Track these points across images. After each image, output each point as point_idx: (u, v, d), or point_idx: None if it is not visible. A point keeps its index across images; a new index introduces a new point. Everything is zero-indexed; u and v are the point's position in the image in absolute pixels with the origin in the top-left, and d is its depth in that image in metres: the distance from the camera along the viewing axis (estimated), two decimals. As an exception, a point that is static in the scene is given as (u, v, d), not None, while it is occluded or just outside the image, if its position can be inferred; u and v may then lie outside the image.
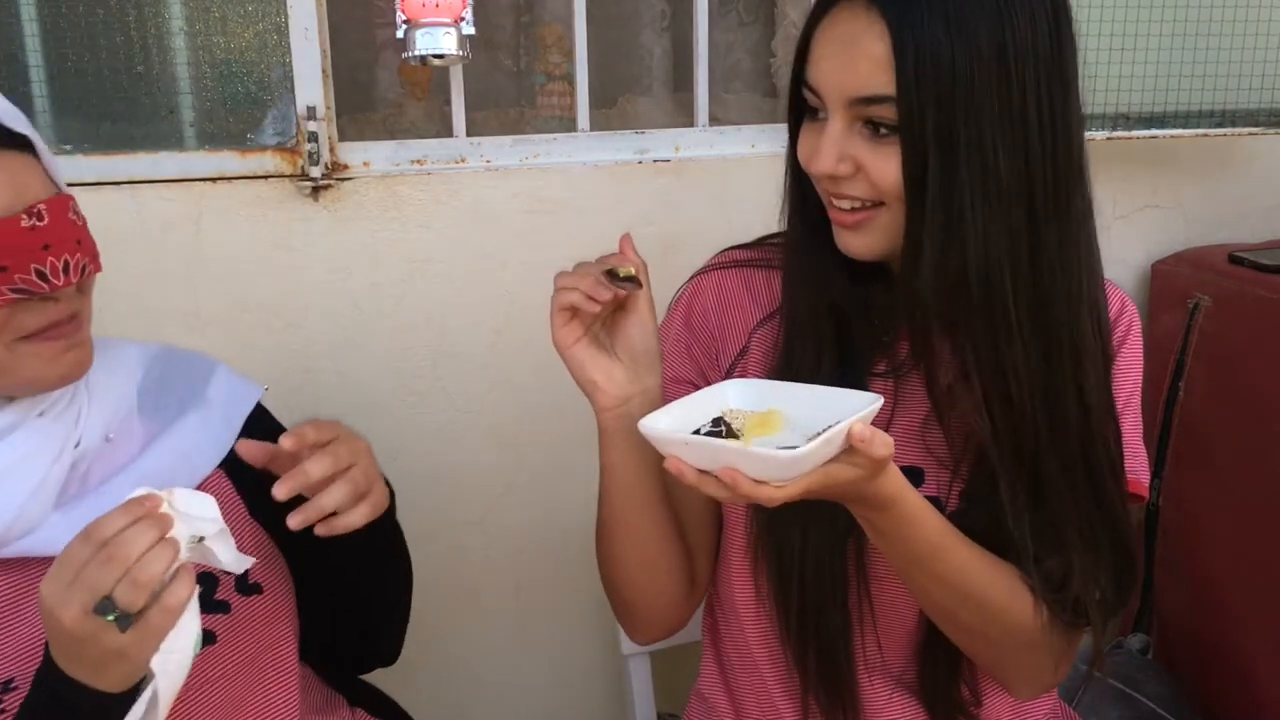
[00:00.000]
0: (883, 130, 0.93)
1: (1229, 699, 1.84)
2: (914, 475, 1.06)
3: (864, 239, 0.99)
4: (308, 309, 1.62)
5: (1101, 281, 1.04)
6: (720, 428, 0.87)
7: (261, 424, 1.12)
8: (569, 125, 1.78)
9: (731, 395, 0.92)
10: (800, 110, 1.02)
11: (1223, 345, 1.81)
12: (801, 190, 1.06)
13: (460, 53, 1.55)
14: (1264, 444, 1.73)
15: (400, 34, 1.54)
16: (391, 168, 1.64)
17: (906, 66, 0.90)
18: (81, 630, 0.78)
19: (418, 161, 1.66)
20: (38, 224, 0.89)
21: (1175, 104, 1.84)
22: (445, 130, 1.70)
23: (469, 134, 1.69)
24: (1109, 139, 1.81)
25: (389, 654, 1.20)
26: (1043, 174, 0.94)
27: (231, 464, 1.05)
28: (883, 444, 0.82)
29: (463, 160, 1.68)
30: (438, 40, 1.52)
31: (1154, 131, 1.83)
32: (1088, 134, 1.84)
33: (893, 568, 1.00)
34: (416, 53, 1.54)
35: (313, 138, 1.55)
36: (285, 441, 0.90)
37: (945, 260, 0.94)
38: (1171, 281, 1.93)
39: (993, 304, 0.95)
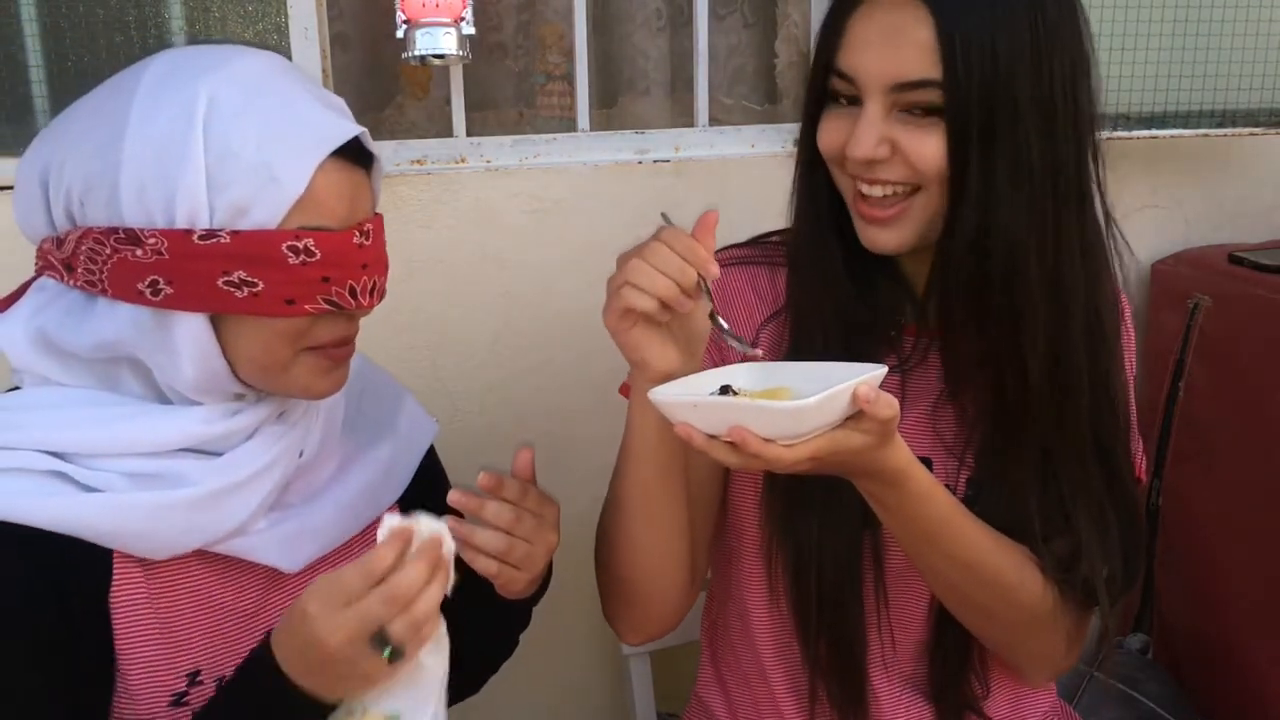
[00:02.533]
0: (919, 112, 0.95)
1: (1229, 699, 1.84)
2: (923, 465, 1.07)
3: (896, 233, 1.00)
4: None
5: (1110, 268, 1.05)
6: (727, 394, 0.88)
7: (429, 460, 1.14)
8: (569, 125, 1.78)
9: (740, 376, 0.93)
10: (821, 99, 1.01)
11: (1223, 345, 1.81)
12: (812, 187, 1.06)
13: (460, 53, 1.55)
14: (1264, 443, 1.73)
15: (400, 34, 1.55)
16: (391, 168, 1.64)
17: (954, 52, 0.92)
18: (346, 655, 0.81)
19: (418, 161, 1.66)
20: (364, 243, 0.90)
21: (1175, 104, 1.84)
22: (445, 130, 1.70)
23: (469, 134, 1.69)
24: (1109, 139, 1.81)
25: (476, 683, 1.20)
26: (1065, 159, 0.97)
27: (402, 498, 1.07)
28: (887, 404, 0.82)
29: (463, 160, 1.68)
30: (438, 40, 1.52)
31: (1154, 131, 1.83)
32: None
33: (904, 548, 1.00)
34: (416, 53, 1.54)
35: (313, 138, 1.55)
36: (485, 481, 0.92)
37: (981, 239, 0.95)
38: (1171, 281, 1.93)
39: (1014, 281, 0.97)
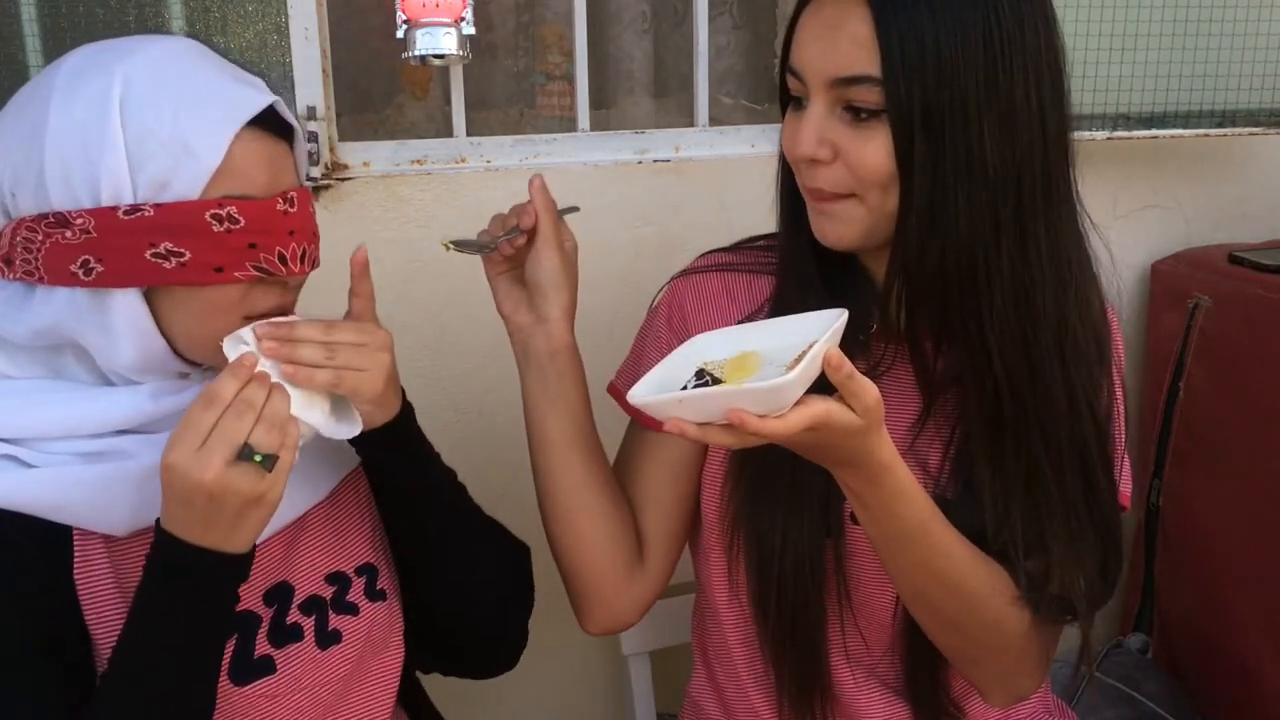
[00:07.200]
0: (863, 115, 0.94)
1: (1229, 699, 1.84)
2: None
3: (836, 226, 0.99)
4: (308, 310, 1.61)
5: (1092, 277, 1.04)
6: (705, 379, 0.88)
7: None
8: (569, 125, 1.78)
9: (706, 348, 0.93)
10: (787, 100, 1.02)
11: (1223, 345, 1.81)
12: (790, 189, 1.06)
13: (460, 53, 1.55)
14: (1265, 444, 1.73)
15: (400, 34, 1.55)
16: (391, 168, 1.64)
17: (891, 47, 0.91)
18: (223, 484, 0.82)
19: (418, 161, 1.66)
20: (289, 210, 0.92)
21: (1175, 104, 1.84)
22: (445, 130, 1.70)
23: (469, 134, 1.69)
24: (1109, 139, 1.81)
25: (496, 641, 1.17)
26: (1031, 165, 0.95)
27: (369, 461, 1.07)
28: (869, 391, 0.83)
29: (463, 160, 1.68)
30: (438, 40, 1.53)
31: (1154, 131, 1.83)
32: (1088, 134, 1.83)
33: (877, 549, 0.99)
34: (416, 53, 1.54)
35: (313, 138, 1.55)
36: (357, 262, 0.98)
37: (929, 240, 0.95)
38: (1171, 281, 1.93)
39: (976, 285, 0.96)
